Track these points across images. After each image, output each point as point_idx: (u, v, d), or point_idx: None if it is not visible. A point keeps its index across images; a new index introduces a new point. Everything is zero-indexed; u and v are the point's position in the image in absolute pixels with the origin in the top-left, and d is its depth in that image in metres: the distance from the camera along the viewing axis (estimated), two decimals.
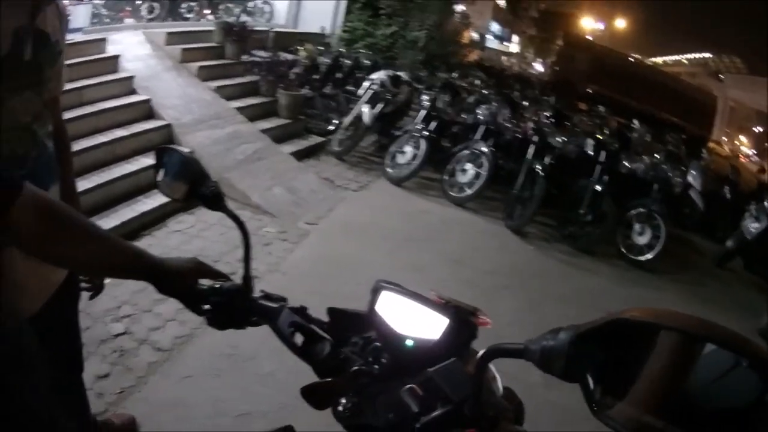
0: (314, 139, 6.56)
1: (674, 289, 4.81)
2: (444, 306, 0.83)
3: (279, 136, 6.18)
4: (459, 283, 3.81)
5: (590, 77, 13.27)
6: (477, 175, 5.25)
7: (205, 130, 5.45)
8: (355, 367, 0.83)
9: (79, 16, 7.56)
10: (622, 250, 5.14)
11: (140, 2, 9.08)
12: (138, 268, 0.94)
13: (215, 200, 1.05)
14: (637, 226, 5.10)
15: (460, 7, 11.00)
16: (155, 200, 4.10)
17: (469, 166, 5.33)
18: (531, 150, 5.19)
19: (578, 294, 4.18)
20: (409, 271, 3.71)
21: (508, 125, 5.67)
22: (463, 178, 5.35)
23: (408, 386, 0.79)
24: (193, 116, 5.55)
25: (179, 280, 0.96)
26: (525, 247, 4.94)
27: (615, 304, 3.86)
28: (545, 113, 6.12)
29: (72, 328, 1.50)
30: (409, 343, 0.82)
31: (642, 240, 5.06)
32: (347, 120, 6.31)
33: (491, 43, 20.89)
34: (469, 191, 5.28)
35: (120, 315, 2.87)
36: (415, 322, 0.82)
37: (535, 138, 5.28)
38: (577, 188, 5.23)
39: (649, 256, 4.99)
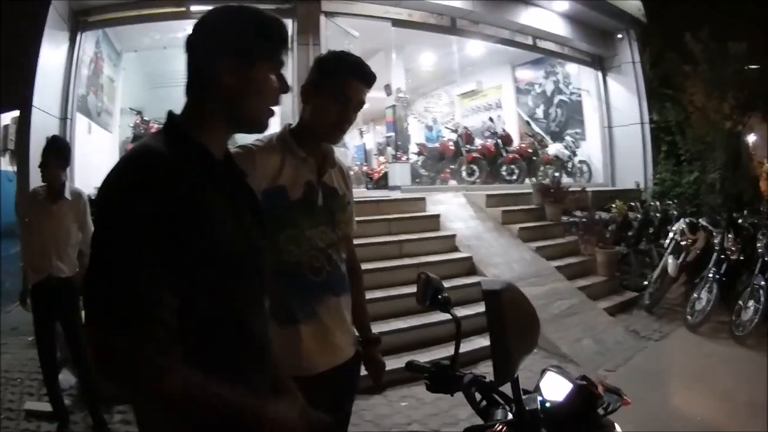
0: (628, 295, 7.01)
1: None
2: (578, 379, 1.06)
3: (595, 293, 6.57)
4: (717, 415, 3.96)
5: None
6: (756, 311, 5.35)
7: (525, 287, 5.53)
8: (502, 418, 1.13)
9: (398, 175, 8.83)
10: None
11: (462, 166, 10.18)
12: None
13: (444, 304, 1.42)
14: None
15: (750, 138, 9.88)
16: (467, 345, 4.42)
17: (750, 303, 5.44)
18: None
19: None
20: (666, 410, 4.02)
21: None
22: (745, 316, 5.46)
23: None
24: (514, 274, 6.01)
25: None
26: None
27: None
28: None
29: (349, 391, 1.77)
30: (547, 404, 1.06)
31: None
32: (655, 273, 6.78)
33: None
34: (749, 328, 5.36)
35: (406, 431, 3.50)
36: (560, 391, 1.08)
37: None
38: None
39: None
